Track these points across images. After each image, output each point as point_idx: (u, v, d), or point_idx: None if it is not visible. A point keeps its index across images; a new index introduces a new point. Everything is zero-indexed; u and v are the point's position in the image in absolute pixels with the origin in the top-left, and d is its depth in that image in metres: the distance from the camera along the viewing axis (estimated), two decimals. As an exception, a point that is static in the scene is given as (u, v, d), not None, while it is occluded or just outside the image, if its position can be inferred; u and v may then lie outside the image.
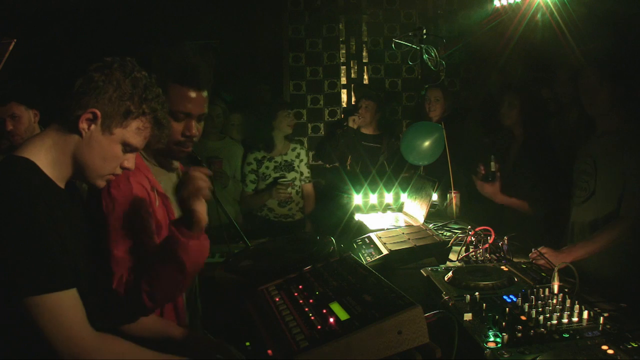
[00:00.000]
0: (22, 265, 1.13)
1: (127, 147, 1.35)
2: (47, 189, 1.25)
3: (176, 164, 1.79)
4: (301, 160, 3.73)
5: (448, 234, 2.72)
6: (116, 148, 1.33)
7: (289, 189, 3.60)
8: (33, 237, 1.15)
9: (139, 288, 1.41)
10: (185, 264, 1.39)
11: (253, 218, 3.76)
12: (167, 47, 1.67)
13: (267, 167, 3.65)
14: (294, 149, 3.73)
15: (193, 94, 1.63)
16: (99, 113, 1.28)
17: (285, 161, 3.67)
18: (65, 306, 1.17)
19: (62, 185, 1.32)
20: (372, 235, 2.36)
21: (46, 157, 1.28)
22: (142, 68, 1.37)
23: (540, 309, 1.42)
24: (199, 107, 1.65)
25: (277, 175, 3.63)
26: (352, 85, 5.45)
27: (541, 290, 1.53)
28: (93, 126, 1.29)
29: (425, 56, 3.51)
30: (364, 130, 3.92)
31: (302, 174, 3.73)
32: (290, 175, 3.66)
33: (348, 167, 3.85)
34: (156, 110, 1.36)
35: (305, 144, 3.85)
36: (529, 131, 3.02)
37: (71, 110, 1.28)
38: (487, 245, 2.10)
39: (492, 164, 2.95)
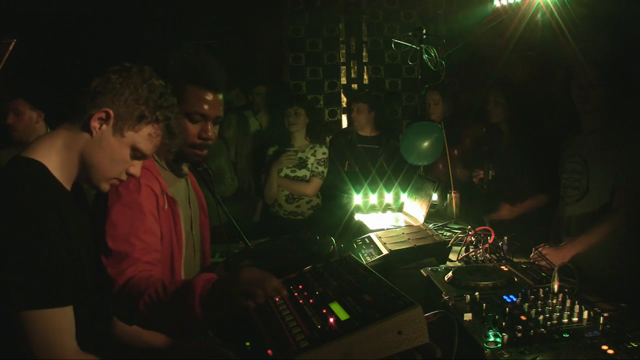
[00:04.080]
0: (22, 277, 1.11)
1: (137, 153, 1.35)
2: (57, 194, 1.24)
3: (185, 169, 1.78)
4: (315, 158, 3.65)
5: (448, 234, 2.72)
6: (125, 151, 1.33)
7: (298, 154, 3.58)
8: (38, 251, 1.13)
9: (137, 300, 1.35)
10: (186, 326, 1.33)
11: (268, 215, 3.74)
12: (184, 50, 1.67)
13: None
14: (312, 147, 3.67)
15: (209, 96, 1.63)
16: (112, 113, 1.28)
17: (300, 158, 3.64)
18: (58, 324, 1.15)
19: (68, 187, 1.31)
20: (372, 235, 2.36)
21: (56, 159, 1.27)
22: (158, 74, 1.38)
23: (540, 309, 1.42)
24: (215, 109, 1.65)
25: (289, 170, 3.63)
26: (354, 87, 5.46)
27: (541, 290, 1.54)
28: (105, 126, 1.29)
29: (425, 56, 3.50)
30: (362, 133, 3.90)
31: (312, 171, 3.67)
32: (302, 172, 3.63)
33: (346, 169, 3.84)
34: (169, 118, 1.36)
35: (325, 147, 3.77)
36: (515, 128, 3.08)
37: (85, 108, 1.28)
38: (487, 245, 2.10)
39: (490, 172, 2.99)
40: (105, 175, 1.33)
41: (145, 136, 1.34)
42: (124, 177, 1.37)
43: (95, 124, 1.28)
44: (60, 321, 1.16)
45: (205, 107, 1.62)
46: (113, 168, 1.33)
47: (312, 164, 3.64)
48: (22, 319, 1.11)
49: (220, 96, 1.67)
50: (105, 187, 1.36)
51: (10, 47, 2.76)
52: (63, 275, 1.17)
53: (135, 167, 1.38)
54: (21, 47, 2.82)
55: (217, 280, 1.31)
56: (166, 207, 1.58)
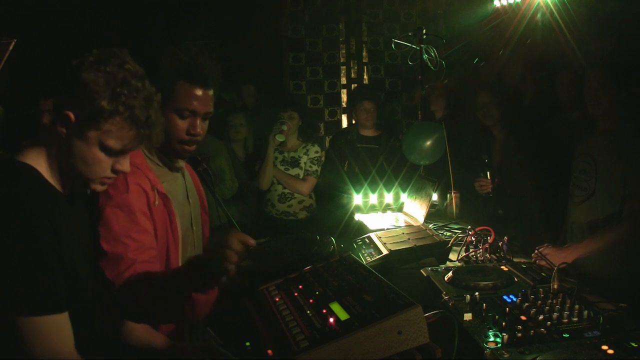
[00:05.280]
0: (16, 283, 1.09)
1: (109, 151, 1.23)
2: (47, 199, 1.20)
3: (181, 163, 1.76)
4: (308, 157, 3.66)
5: (448, 234, 2.72)
6: (95, 151, 1.22)
7: (284, 127, 3.54)
8: (30, 257, 1.11)
9: (136, 294, 1.38)
10: (186, 312, 1.36)
11: (261, 215, 3.74)
12: (176, 47, 1.66)
13: (276, 158, 3.65)
14: (304, 147, 3.67)
15: (199, 92, 1.62)
16: (71, 115, 1.19)
17: (292, 157, 3.65)
18: (54, 330, 1.14)
19: (65, 190, 1.28)
20: (372, 235, 2.36)
21: (45, 163, 1.23)
22: (150, 73, 1.28)
23: (540, 309, 1.42)
24: (204, 105, 1.64)
25: (283, 168, 3.63)
26: (354, 87, 5.45)
27: (541, 290, 1.54)
28: (70, 129, 1.20)
29: (425, 56, 3.50)
30: (363, 132, 3.90)
31: (305, 170, 3.67)
32: (294, 172, 3.64)
33: (345, 169, 3.84)
34: (133, 107, 1.21)
35: (318, 146, 3.75)
36: (506, 130, 3.10)
37: (54, 112, 1.22)
38: (487, 245, 2.10)
39: (495, 180, 2.99)
40: (87, 177, 1.25)
41: (107, 132, 1.20)
42: (110, 174, 1.27)
43: (61, 128, 1.20)
44: (57, 327, 1.14)
45: (195, 103, 1.61)
46: (91, 170, 1.23)
47: (305, 163, 3.64)
48: (18, 326, 1.10)
49: (211, 92, 1.66)
50: (97, 187, 1.28)
51: (10, 47, 2.75)
52: (55, 282, 1.15)
53: (122, 164, 1.27)
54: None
55: (195, 256, 1.39)
56: (157, 202, 1.57)
